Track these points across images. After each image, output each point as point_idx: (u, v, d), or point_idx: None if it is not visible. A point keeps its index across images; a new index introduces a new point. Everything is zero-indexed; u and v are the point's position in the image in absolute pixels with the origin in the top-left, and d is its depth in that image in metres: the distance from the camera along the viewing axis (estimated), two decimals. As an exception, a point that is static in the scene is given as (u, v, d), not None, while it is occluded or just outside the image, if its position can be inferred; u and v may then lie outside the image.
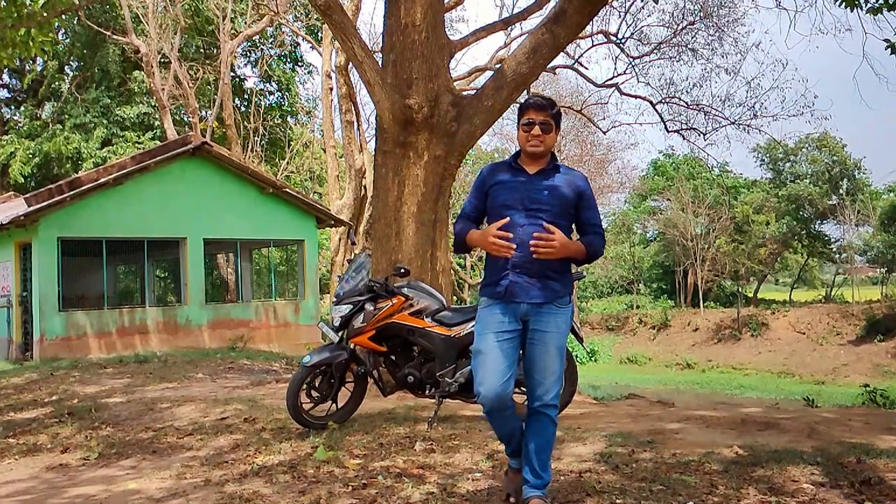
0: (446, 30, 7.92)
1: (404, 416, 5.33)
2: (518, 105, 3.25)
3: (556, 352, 3.11)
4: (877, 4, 7.00)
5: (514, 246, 3.00)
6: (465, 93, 8.38)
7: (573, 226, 3.24)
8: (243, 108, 28.29)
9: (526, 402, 3.22)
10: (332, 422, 5.03)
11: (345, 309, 5.06)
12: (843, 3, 7.08)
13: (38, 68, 26.75)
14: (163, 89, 22.27)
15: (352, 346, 5.13)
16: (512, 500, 3.29)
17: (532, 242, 2.98)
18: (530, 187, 3.14)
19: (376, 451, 4.37)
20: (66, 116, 24.66)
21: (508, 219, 3.06)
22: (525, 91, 8.03)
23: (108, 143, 24.51)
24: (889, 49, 7.03)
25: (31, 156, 23.58)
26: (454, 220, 3.44)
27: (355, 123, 20.99)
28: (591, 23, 11.91)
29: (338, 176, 23.15)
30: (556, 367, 3.11)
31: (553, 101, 3.25)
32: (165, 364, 10.24)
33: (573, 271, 3.31)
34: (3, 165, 23.94)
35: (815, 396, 9.84)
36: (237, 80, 28.83)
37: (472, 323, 4.92)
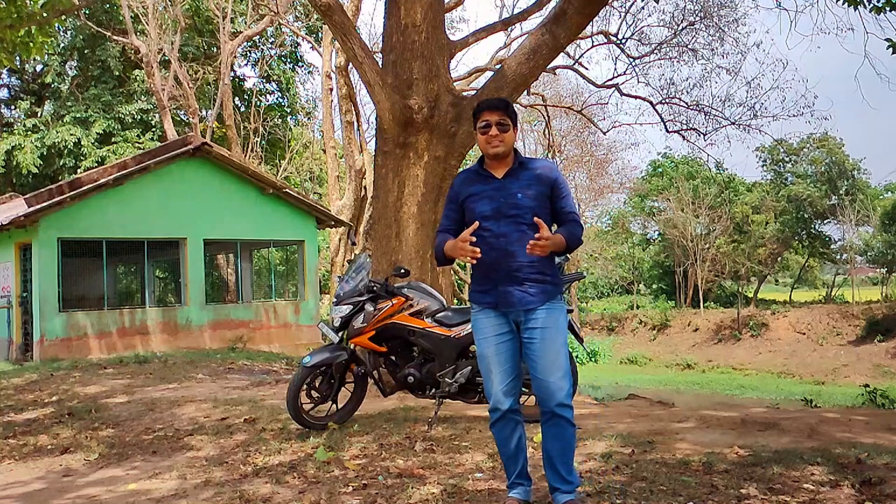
0: (446, 30, 7.91)
1: (404, 417, 5.32)
2: (473, 109, 3.23)
3: (559, 347, 3.05)
4: (879, 3, 6.99)
5: (477, 250, 2.93)
6: (465, 93, 8.38)
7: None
8: (243, 109, 28.27)
9: (537, 406, 3.14)
10: (333, 422, 5.03)
11: (345, 309, 5.06)
12: (846, 2, 7.07)
13: (39, 67, 26.74)
14: (163, 89, 22.26)
15: (352, 346, 5.14)
16: None
17: (531, 243, 2.93)
18: (505, 193, 3.08)
19: (377, 451, 4.36)
20: (66, 112, 24.66)
21: (477, 223, 3.01)
22: (525, 91, 8.03)
23: (108, 138, 24.47)
24: (891, 48, 7.00)
25: (35, 147, 23.58)
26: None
27: (355, 124, 20.99)
28: (591, 23, 11.90)
29: (338, 176, 23.15)
30: (561, 363, 3.03)
31: (506, 100, 3.22)
32: (166, 365, 10.24)
33: (559, 266, 3.28)
34: (5, 161, 23.89)
35: (815, 397, 9.84)
36: (237, 80, 28.82)
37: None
